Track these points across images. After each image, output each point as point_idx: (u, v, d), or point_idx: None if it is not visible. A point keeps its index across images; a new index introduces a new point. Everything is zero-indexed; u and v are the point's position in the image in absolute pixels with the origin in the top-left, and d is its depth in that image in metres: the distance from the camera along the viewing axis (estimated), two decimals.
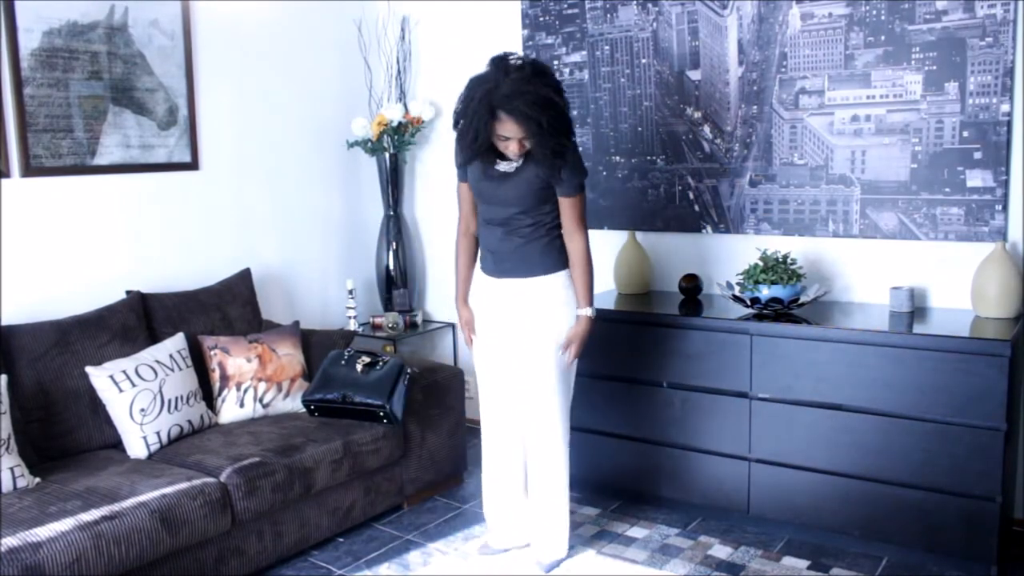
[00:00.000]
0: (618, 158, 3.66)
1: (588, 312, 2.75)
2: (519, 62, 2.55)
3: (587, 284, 2.75)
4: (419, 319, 4.25)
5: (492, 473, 2.95)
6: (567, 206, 2.72)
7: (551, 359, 2.73)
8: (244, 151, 3.79)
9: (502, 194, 2.70)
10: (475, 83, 2.58)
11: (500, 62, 2.56)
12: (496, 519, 2.97)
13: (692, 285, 3.44)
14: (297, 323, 3.53)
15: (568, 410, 2.84)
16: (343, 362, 3.22)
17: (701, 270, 3.52)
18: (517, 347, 2.78)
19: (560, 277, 2.76)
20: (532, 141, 2.55)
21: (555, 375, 2.75)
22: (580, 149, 3.70)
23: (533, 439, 2.81)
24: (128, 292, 3.27)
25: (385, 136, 4.07)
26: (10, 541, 2.21)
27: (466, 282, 2.93)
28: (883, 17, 3.02)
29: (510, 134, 2.55)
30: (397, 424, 3.18)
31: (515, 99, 2.47)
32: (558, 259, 2.76)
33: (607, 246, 3.71)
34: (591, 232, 3.73)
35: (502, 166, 2.70)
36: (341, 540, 3.13)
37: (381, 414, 3.12)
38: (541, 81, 2.52)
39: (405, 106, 4.11)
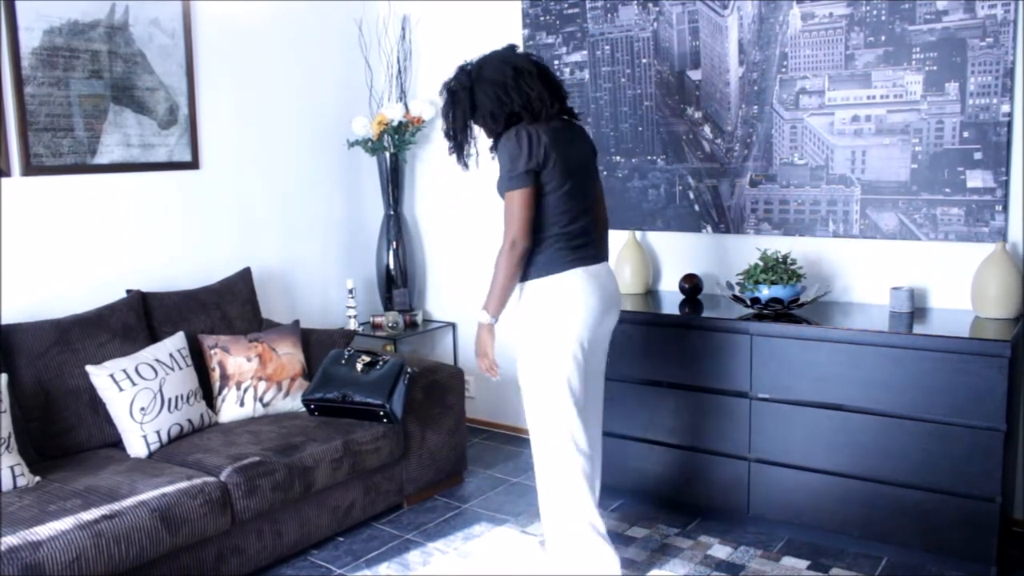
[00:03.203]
0: (618, 158, 3.66)
1: None
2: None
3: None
4: (419, 318, 4.25)
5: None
6: None
7: None
8: (244, 150, 3.79)
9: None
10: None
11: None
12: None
13: (692, 285, 3.44)
14: (297, 322, 3.53)
15: None
16: (343, 361, 3.23)
17: (701, 270, 3.53)
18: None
19: None
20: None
21: None
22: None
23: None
24: (128, 291, 3.27)
25: (385, 135, 4.07)
26: (10, 540, 2.21)
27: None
28: (883, 17, 3.02)
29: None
30: (397, 423, 3.18)
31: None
32: None
33: None
34: None
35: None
36: (341, 539, 3.13)
37: (381, 413, 3.12)
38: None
39: (406, 105, 4.12)
